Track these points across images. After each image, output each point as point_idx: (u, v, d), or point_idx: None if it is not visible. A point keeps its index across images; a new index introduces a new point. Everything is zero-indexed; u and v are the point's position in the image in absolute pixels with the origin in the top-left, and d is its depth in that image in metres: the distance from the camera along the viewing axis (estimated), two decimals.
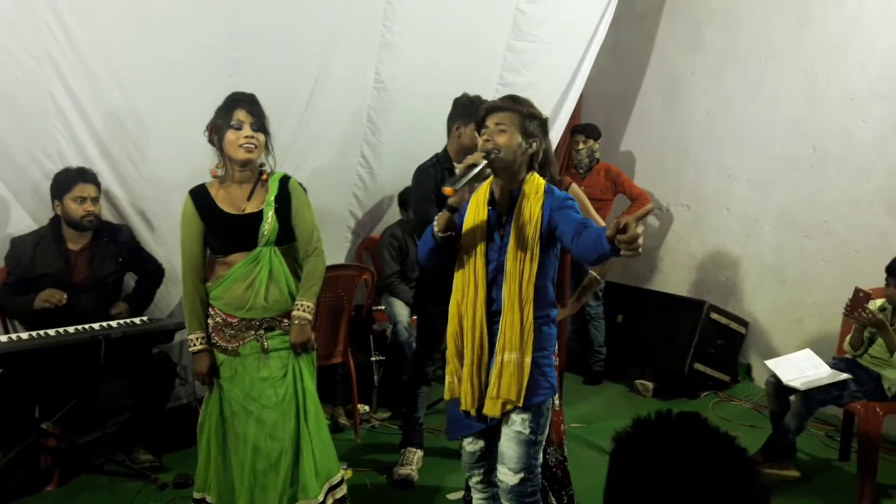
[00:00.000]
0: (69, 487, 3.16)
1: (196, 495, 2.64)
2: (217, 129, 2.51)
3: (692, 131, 5.13)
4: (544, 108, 4.45)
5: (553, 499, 2.76)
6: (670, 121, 5.27)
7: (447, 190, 2.06)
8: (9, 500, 3.02)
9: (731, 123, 4.89)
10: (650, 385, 4.59)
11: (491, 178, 2.22)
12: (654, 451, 0.99)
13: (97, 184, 3.19)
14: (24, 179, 3.18)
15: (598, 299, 4.73)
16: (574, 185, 2.80)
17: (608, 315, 4.83)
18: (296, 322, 2.55)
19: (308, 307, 2.57)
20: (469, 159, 2.11)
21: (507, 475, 2.20)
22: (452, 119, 3.19)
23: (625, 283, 5.20)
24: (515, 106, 2.18)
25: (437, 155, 3.23)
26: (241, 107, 2.48)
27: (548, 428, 2.25)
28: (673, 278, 5.24)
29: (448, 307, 2.27)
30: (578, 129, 4.87)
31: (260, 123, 2.51)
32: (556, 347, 2.30)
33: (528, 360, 2.13)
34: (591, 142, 4.78)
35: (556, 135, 4.82)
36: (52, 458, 3.16)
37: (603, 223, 2.82)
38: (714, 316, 4.56)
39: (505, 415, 2.17)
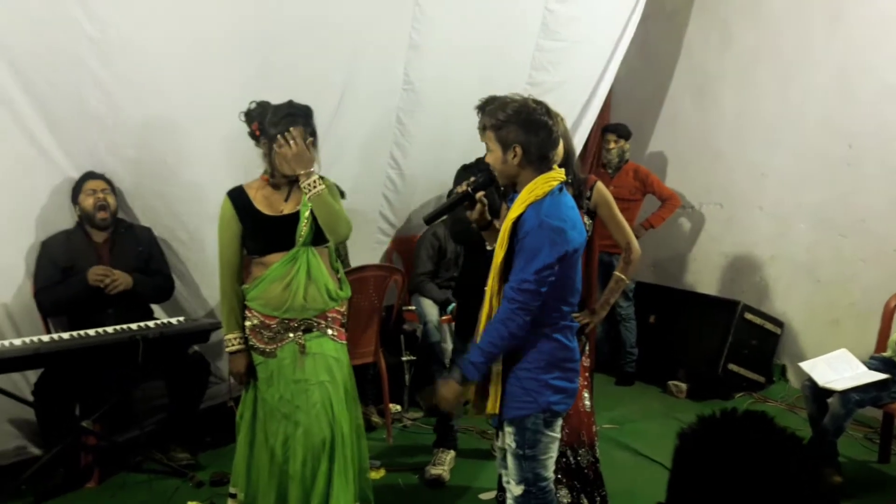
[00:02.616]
0: (109, 485, 3.22)
1: (231, 489, 2.70)
2: (267, 137, 2.52)
3: (722, 130, 5.07)
4: (573, 107, 4.53)
5: (585, 500, 2.76)
6: (700, 119, 5.21)
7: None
8: (51, 497, 3.08)
9: (762, 121, 4.82)
10: (683, 386, 4.55)
11: None
12: (720, 450, 0.98)
13: (106, 179, 3.28)
14: (61, 183, 3.24)
15: (629, 300, 4.70)
16: (600, 185, 2.79)
17: (640, 316, 4.78)
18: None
19: (321, 184, 2.53)
20: (460, 187, 2.28)
21: (510, 485, 2.23)
22: None
23: (657, 284, 5.16)
24: (489, 121, 2.13)
25: (479, 157, 3.27)
26: (297, 123, 2.50)
27: (542, 444, 2.16)
28: (705, 278, 5.18)
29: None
30: (610, 128, 4.84)
31: (314, 137, 2.56)
32: (568, 361, 2.19)
33: (497, 368, 2.14)
34: (622, 142, 4.75)
35: (583, 133, 4.81)
36: (93, 455, 3.23)
37: (627, 226, 2.82)
38: (748, 316, 4.50)
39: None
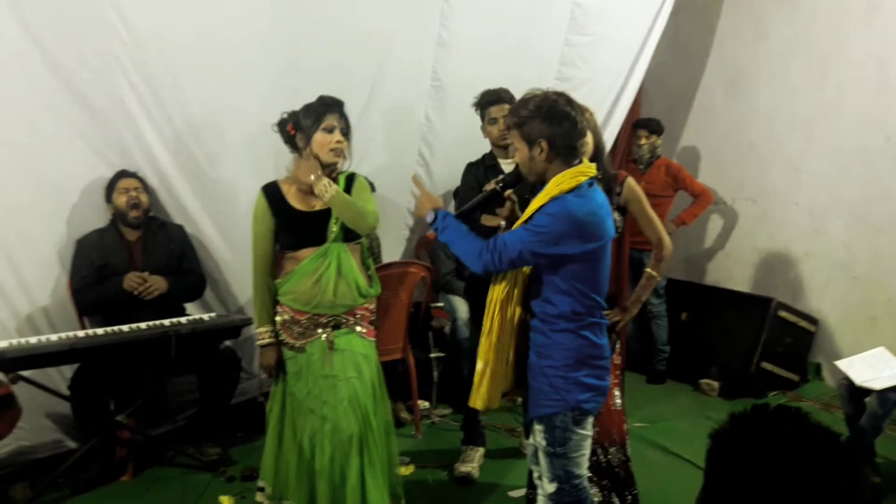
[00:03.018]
0: (143, 478, 3.27)
1: (260, 483, 2.73)
2: (303, 129, 2.57)
3: (755, 124, 4.99)
4: (603, 103, 4.50)
5: (616, 499, 2.73)
6: (732, 114, 5.13)
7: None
8: (87, 490, 3.14)
9: (796, 115, 4.73)
10: (715, 384, 4.48)
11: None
12: (753, 447, 0.96)
13: (139, 178, 3.32)
14: (96, 181, 3.30)
15: (661, 297, 4.64)
16: (630, 180, 2.76)
17: (672, 313, 4.72)
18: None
19: (332, 186, 2.53)
20: (489, 185, 2.29)
21: (543, 482, 2.21)
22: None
23: (689, 280, 5.10)
24: (512, 119, 2.13)
25: (485, 153, 3.29)
26: (333, 111, 2.57)
27: (573, 442, 2.14)
28: (738, 275, 5.10)
29: None
30: (641, 123, 4.78)
31: (347, 129, 2.61)
32: (597, 359, 2.16)
33: (510, 357, 2.18)
34: (654, 137, 4.68)
35: (614, 129, 4.75)
36: (127, 449, 3.28)
37: (659, 222, 2.78)
38: (782, 314, 4.43)
39: None
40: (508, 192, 2.28)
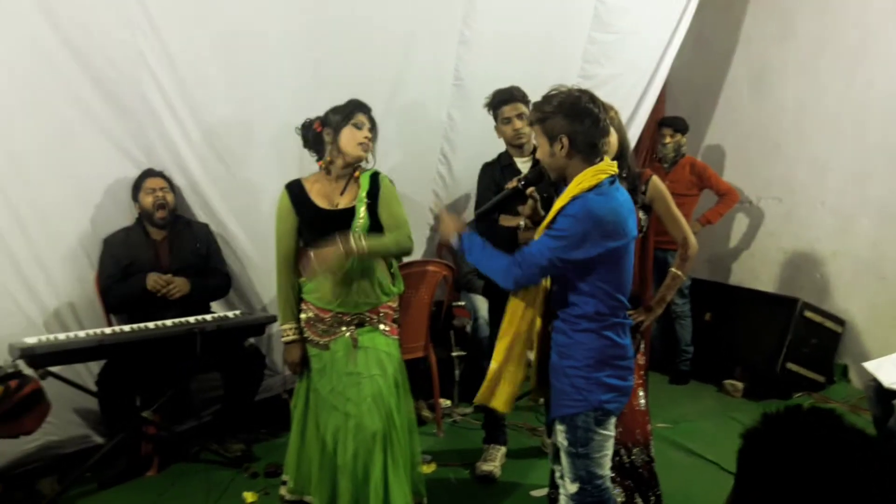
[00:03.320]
0: (168, 473, 3.31)
1: (284, 478, 2.75)
2: (331, 124, 2.62)
3: (781, 122, 4.93)
4: (627, 101, 4.47)
5: (640, 500, 2.71)
6: (758, 111, 5.07)
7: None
8: (113, 484, 3.19)
9: (823, 113, 4.67)
10: (740, 385, 4.44)
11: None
12: (786, 448, 0.95)
13: (165, 177, 3.35)
14: (122, 179, 3.33)
15: (685, 297, 4.60)
16: (655, 179, 2.73)
17: (695, 313, 4.68)
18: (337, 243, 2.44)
19: (359, 243, 2.46)
20: (510, 184, 2.30)
21: (565, 481, 2.20)
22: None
23: (713, 280, 5.05)
24: (535, 115, 2.12)
25: (501, 152, 3.28)
26: (362, 111, 2.64)
27: (595, 443, 2.12)
28: (763, 275, 5.05)
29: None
30: (666, 121, 4.73)
31: (374, 130, 2.66)
32: (620, 359, 2.14)
33: (531, 356, 2.19)
34: (678, 136, 4.64)
35: (638, 127, 4.72)
36: (153, 445, 3.32)
37: (684, 221, 2.76)
38: (808, 314, 4.37)
39: None
40: (530, 189, 2.27)
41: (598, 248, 2.00)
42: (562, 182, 2.15)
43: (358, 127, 2.60)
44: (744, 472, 1.00)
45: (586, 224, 1.98)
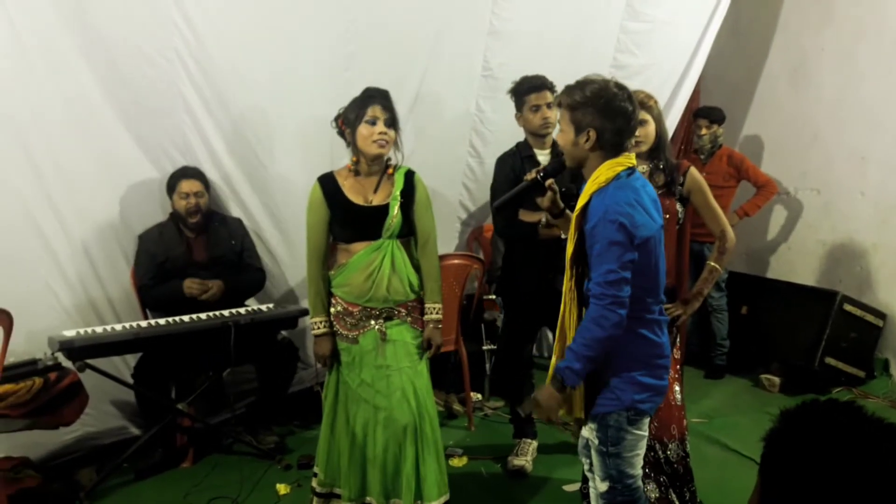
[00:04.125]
0: (203, 465, 3.35)
1: (315, 470, 2.77)
2: (349, 123, 2.58)
3: (820, 112, 4.81)
4: (661, 91, 4.39)
5: (674, 495, 2.68)
6: (796, 101, 4.96)
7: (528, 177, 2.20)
8: (150, 475, 3.23)
9: (863, 102, 4.55)
10: (776, 380, 4.36)
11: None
12: (810, 446, 0.93)
13: (201, 178, 3.34)
14: (157, 173, 3.37)
15: (721, 290, 4.52)
16: (693, 170, 2.69)
17: (732, 306, 4.60)
18: (430, 325, 2.65)
19: (438, 309, 2.66)
20: (528, 175, 2.23)
21: (595, 480, 2.16)
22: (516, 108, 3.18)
23: (750, 273, 4.95)
24: (566, 99, 2.02)
25: (519, 143, 3.20)
26: (375, 102, 2.54)
27: (627, 442, 2.06)
28: (801, 268, 4.94)
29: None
30: (702, 112, 4.63)
31: (392, 119, 2.57)
32: (657, 357, 2.08)
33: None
34: (714, 126, 4.54)
35: (674, 118, 4.64)
36: (188, 436, 3.36)
37: (722, 214, 2.70)
38: (847, 307, 4.27)
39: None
40: (549, 181, 2.21)
41: (634, 230, 1.91)
42: (578, 172, 2.11)
43: (372, 123, 2.53)
44: (768, 473, 0.97)
45: (611, 221, 1.91)
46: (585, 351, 1.94)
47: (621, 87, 2.00)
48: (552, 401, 2.00)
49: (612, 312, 1.91)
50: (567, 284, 2.09)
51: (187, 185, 3.31)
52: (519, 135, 3.27)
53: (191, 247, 3.39)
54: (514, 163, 3.13)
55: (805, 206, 4.95)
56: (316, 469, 2.77)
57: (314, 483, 2.77)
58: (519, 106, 3.12)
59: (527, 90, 3.07)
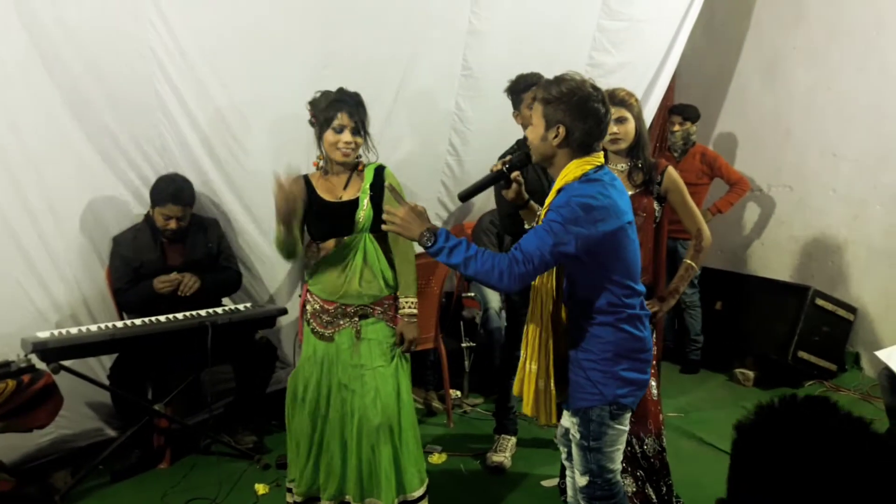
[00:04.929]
0: (180, 465, 3.33)
1: (289, 484, 2.79)
2: (317, 122, 2.58)
3: (793, 109, 4.88)
4: (636, 89, 4.43)
5: (651, 489, 2.72)
6: (769, 98, 5.03)
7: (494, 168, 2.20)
8: (126, 477, 3.20)
9: (835, 99, 4.62)
10: (751, 374, 4.43)
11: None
12: (783, 442, 0.94)
13: (189, 204, 3.28)
14: (132, 172, 3.33)
15: (694, 287, 4.57)
16: (671, 169, 2.72)
17: (706, 302, 4.66)
18: (405, 319, 2.62)
19: (412, 303, 2.63)
20: (495, 166, 2.20)
21: (575, 474, 2.18)
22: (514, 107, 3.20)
23: (724, 269, 5.01)
24: (541, 93, 2.02)
25: (518, 140, 3.22)
26: (344, 109, 2.52)
27: (608, 437, 2.08)
28: (774, 263, 5.02)
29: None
30: (676, 109, 4.68)
31: (360, 126, 2.56)
32: (639, 352, 2.10)
33: (533, 372, 2.11)
34: (688, 124, 4.59)
35: (648, 115, 4.67)
36: (165, 437, 3.33)
37: (699, 212, 2.74)
38: (819, 302, 4.35)
39: None
40: (515, 173, 2.20)
41: (592, 234, 1.91)
42: (544, 166, 2.11)
43: (337, 131, 2.52)
44: (737, 466, 0.98)
45: (575, 210, 1.90)
46: (466, 255, 1.91)
47: (596, 89, 2.00)
48: (412, 221, 1.98)
49: (512, 277, 1.89)
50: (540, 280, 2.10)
51: (173, 210, 3.24)
52: (499, 133, 3.28)
53: (165, 252, 3.35)
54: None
55: (778, 202, 5.02)
56: (289, 483, 2.75)
57: (289, 483, 2.75)
58: (516, 104, 3.14)
59: (524, 88, 3.08)
